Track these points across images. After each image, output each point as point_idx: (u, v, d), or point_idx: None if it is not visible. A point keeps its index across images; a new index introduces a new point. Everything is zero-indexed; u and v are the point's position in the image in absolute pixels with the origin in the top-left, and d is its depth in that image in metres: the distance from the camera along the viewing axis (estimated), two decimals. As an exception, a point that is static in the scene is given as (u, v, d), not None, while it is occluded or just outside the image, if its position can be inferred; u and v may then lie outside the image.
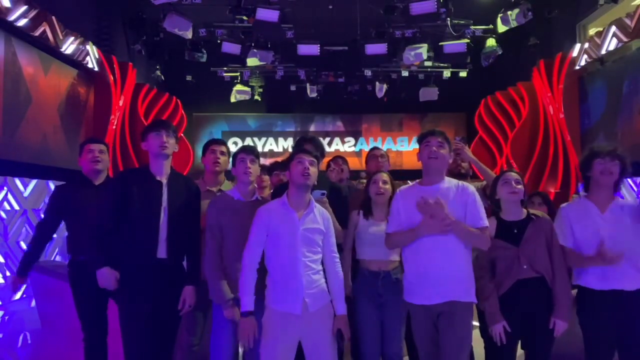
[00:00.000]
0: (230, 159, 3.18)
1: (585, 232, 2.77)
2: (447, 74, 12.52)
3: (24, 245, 6.77)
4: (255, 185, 3.06)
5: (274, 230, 2.64)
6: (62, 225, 3.56)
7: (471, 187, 2.83)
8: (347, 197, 3.41)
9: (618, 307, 2.65)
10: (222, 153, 3.35)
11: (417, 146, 2.88)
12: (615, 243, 2.68)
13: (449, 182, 2.82)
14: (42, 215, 3.49)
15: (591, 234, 2.74)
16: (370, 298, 3.04)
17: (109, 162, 3.54)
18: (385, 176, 3.19)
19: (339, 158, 4.26)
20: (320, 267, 2.73)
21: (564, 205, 3.02)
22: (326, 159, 4.02)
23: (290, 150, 14.73)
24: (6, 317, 6.01)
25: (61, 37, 7.65)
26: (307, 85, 12.87)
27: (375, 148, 4.11)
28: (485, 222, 2.74)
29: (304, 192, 2.70)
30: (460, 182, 2.84)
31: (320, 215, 2.73)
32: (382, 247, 3.02)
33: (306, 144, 3.21)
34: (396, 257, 3.07)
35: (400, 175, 3.95)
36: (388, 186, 3.15)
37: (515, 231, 2.84)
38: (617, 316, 2.66)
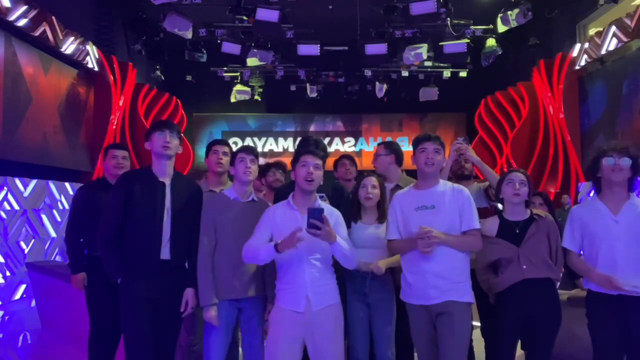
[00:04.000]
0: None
1: (596, 235, 2.72)
2: (447, 74, 12.53)
3: (24, 245, 6.78)
4: (253, 187, 3.04)
5: (279, 229, 2.65)
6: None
7: (466, 190, 2.82)
8: (349, 197, 3.38)
9: (626, 311, 2.61)
10: (225, 154, 3.35)
11: (417, 146, 2.86)
12: (626, 246, 2.63)
13: (444, 186, 2.79)
14: (69, 219, 3.56)
15: (602, 237, 2.69)
16: (357, 297, 3.05)
17: (129, 167, 3.62)
18: (374, 180, 3.16)
19: (345, 158, 4.15)
20: (328, 266, 2.72)
21: (575, 206, 2.99)
22: (329, 159, 3.92)
23: (290, 150, 14.78)
24: (6, 317, 6.01)
25: (61, 37, 7.66)
26: (307, 85, 12.88)
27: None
28: (478, 224, 2.71)
29: (309, 194, 2.73)
30: (456, 185, 2.83)
31: (328, 213, 2.69)
32: (372, 249, 3.02)
33: (308, 146, 3.16)
34: (385, 258, 3.06)
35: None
36: (377, 191, 3.12)
37: (517, 231, 2.83)
38: (626, 320, 2.62)
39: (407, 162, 3.39)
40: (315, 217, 2.51)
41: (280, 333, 2.61)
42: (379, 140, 14.55)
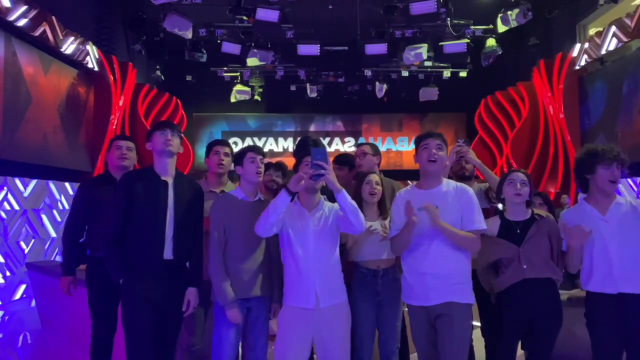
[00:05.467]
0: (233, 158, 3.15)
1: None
2: (447, 74, 12.53)
3: (24, 245, 6.78)
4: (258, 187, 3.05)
5: (287, 227, 2.70)
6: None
7: (470, 189, 2.76)
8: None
9: (625, 310, 2.62)
10: (226, 154, 3.34)
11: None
12: (619, 245, 2.65)
13: (447, 185, 2.75)
14: (68, 218, 3.44)
15: (594, 238, 2.69)
16: (368, 297, 3.05)
17: (135, 160, 3.53)
18: (377, 177, 3.20)
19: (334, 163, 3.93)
20: (336, 263, 2.75)
21: (564, 211, 3.00)
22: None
23: (290, 150, 14.78)
24: (6, 317, 6.01)
25: (61, 37, 7.65)
26: (307, 85, 12.88)
27: (358, 145, 3.87)
28: (479, 225, 2.67)
29: (313, 193, 2.76)
30: (459, 185, 2.77)
31: (330, 211, 2.78)
32: (376, 246, 3.05)
33: (306, 147, 3.17)
34: (391, 255, 3.08)
35: (400, 176, 3.91)
36: (380, 187, 3.16)
37: (518, 231, 2.83)
38: (624, 319, 2.62)
39: (409, 162, 3.39)
40: (319, 158, 2.49)
41: (289, 332, 2.63)
42: (379, 140, 14.66)
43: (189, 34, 9.02)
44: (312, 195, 2.75)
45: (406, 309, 2.98)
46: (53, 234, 7.41)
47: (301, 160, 2.78)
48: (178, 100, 11.77)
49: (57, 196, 7.66)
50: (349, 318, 2.75)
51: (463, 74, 12.53)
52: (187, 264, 2.90)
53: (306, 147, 3.16)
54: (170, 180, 2.85)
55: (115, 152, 3.40)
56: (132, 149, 3.45)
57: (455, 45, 10.02)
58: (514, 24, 8.77)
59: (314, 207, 2.74)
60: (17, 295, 6.50)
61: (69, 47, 7.89)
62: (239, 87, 12.78)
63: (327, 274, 2.68)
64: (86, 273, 3.33)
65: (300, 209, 2.73)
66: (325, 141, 14.47)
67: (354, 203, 2.62)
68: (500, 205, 3.05)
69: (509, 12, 8.69)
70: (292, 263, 2.69)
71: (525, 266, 2.77)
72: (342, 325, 2.70)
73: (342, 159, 3.86)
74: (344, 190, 2.59)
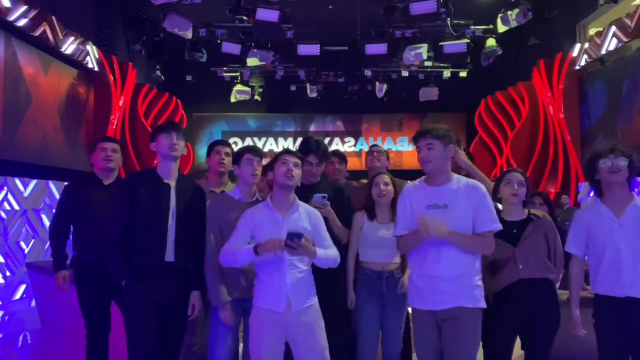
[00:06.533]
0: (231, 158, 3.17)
1: (600, 239, 2.66)
2: (447, 74, 12.53)
3: (24, 245, 6.78)
4: (257, 187, 3.05)
5: (259, 230, 2.66)
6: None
7: (482, 186, 2.62)
8: (350, 197, 3.38)
9: (632, 314, 2.59)
10: (227, 154, 3.36)
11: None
12: (632, 249, 2.60)
13: (458, 182, 2.61)
14: (53, 217, 3.45)
15: (607, 241, 2.66)
16: (372, 299, 3.04)
17: (120, 162, 3.53)
18: (386, 178, 3.18)
19: (334, 156, 3.85)
20: (308, 267, 2.71)
21: (579, 210, 2.96)
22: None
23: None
24: (6, 317, 6.01)
25: (61, 37, 7.65)
26: (307, 85, 12.88)
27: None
28: (494, 226, 2.56)
29: (287, 192, 2.67)
30: (470, 181, 2.64)
31: (307, 214, 2.73)
32: (386, 249, 3.04)
33: (308, 147, 3.17)
34: (398, 258, 3.08)
35: (400, 176, 3.92)
36: (390, 187, 3.13)
37: (515, 231, 2.82)
38: (631, 323, 2.59)
39: (409, 162, 3.40)
40: (294, 240, 2.49)
41: (261, 334, 2.61)
42: (379, 140, 14.66)
43: (189, 34, 9.03)
44: (287, 195, 2.70)
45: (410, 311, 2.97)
46: (53, 234, 7.41)
47: (277, 157, 2.74)
48: (178, 100, 11.78)
49: (57, 196, 7.65)
50: (321, 318, 2.70)
51: (463, 74, 12.52)
52: (189, 266, 2.90)
53: (308, 148, 3.17)
54: (172, 183, 2.86)
55: (100, 154, 3.37)
56: (117, 150, 3.44)
57: (455, 45, 10.02)
58: (514, 24, 8.76)
59: (288, 209, 2.68)
60: (17, 295, 6.49)
61: (69, 47, 7.89)
62: (239, 87, 12.78)
63: (300, 278, 2.65)
64: (74, 275, 3.30)
65: (273, 213, 2.67)
66: (325, 141, 14.43)
67: (327, 257, 2.65)
68: (500, 206, 3.04)
69: (509, 12, 8.69)
70: (263, 266, 2.65)
71: (521, 266, 2.77)
72: (316, 326, 2.66)
73: (344, 156, 3.95)
74: (317, 253, 2.60)
